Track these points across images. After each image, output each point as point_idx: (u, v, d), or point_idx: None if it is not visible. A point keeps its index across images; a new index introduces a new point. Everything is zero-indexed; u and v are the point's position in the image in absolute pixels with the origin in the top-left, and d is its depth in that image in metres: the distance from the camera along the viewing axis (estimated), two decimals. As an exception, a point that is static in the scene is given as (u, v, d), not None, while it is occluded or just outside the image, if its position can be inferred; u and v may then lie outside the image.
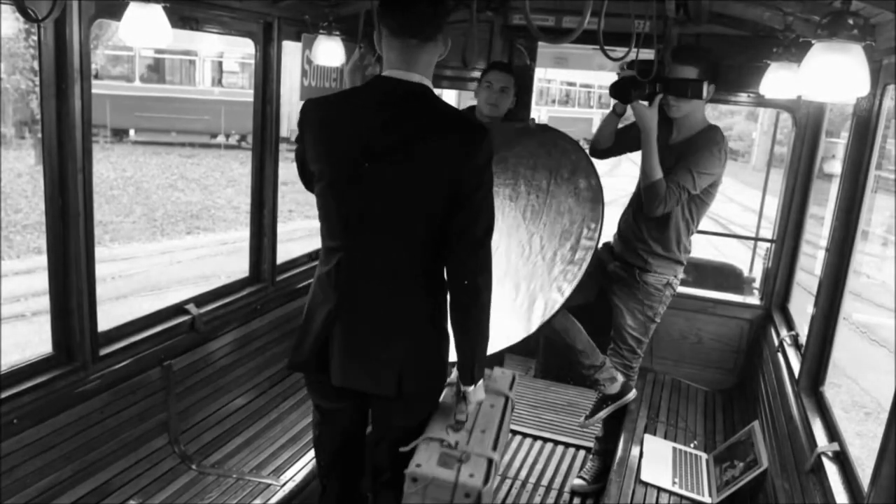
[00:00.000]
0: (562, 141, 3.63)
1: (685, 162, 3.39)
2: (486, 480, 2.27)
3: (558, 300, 3.20)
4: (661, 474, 3.32)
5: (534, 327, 3.18)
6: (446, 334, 2.39)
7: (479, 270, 2.25)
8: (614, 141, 3.78)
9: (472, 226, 2.22)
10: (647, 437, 3.64)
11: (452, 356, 2.43)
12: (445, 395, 2.52)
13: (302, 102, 2.36)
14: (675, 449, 3.58)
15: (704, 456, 3.57)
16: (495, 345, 3.14)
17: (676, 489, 3.23)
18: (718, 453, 3.53)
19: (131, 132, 19.85)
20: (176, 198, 15.21)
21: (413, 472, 2.28)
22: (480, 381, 2.41)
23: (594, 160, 3.63)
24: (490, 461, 2.34)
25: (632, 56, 3.30)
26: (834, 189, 3.49)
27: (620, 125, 3.79)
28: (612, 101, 3.65)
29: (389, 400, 2.36)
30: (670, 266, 3.59)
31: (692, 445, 3.66)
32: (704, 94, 3.42)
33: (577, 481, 3.97)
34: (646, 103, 3.41)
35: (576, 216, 3.37)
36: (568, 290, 3.20)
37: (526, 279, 3.34)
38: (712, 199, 3.59)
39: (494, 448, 2.41)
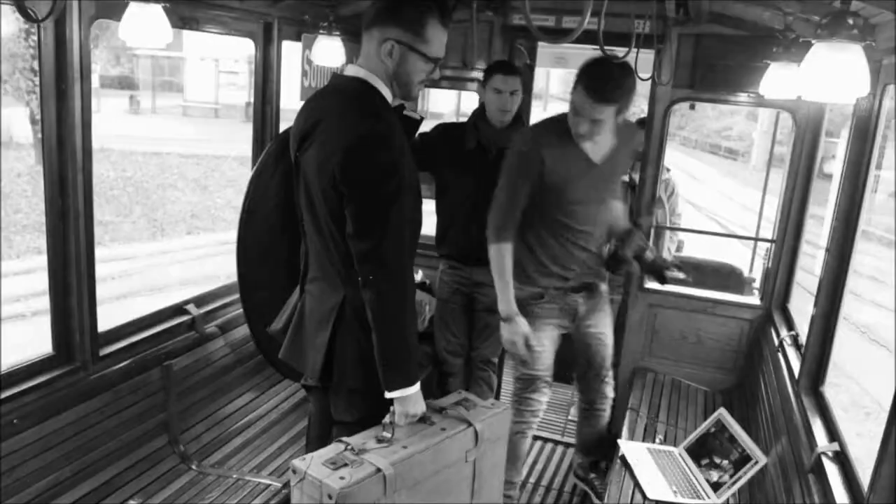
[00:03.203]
0: None
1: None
2: (354, 484, 2.03)
3: None
4: (658, 486, 3.14)
5: None
6: (370, 329, 2.26)
7: (375, 268, 2.17)
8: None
9: (355, 224, 2.17)
10: (622, 443, 3.39)
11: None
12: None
13: (302, 103, 2.46)
14: (650, 450, 3.40)
15: (676, 450, 3.42)
16: None
17: (679, 499, 3.08)
18: (690, 446, 3.37)
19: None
20: (175, 198, 15.21)
21: (294, 464, 2.10)
22: (412, 391, 2.22)
23: None
24: (378, 470, 2.08)
25: (632, 56, 3.27)
26: (834, 189, 3.49)
27: None
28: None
29: (324, 390, 2.48)
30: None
31: (658, 441, 3.54)
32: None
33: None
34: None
35: None
36: None
37: None
38: None
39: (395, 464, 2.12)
